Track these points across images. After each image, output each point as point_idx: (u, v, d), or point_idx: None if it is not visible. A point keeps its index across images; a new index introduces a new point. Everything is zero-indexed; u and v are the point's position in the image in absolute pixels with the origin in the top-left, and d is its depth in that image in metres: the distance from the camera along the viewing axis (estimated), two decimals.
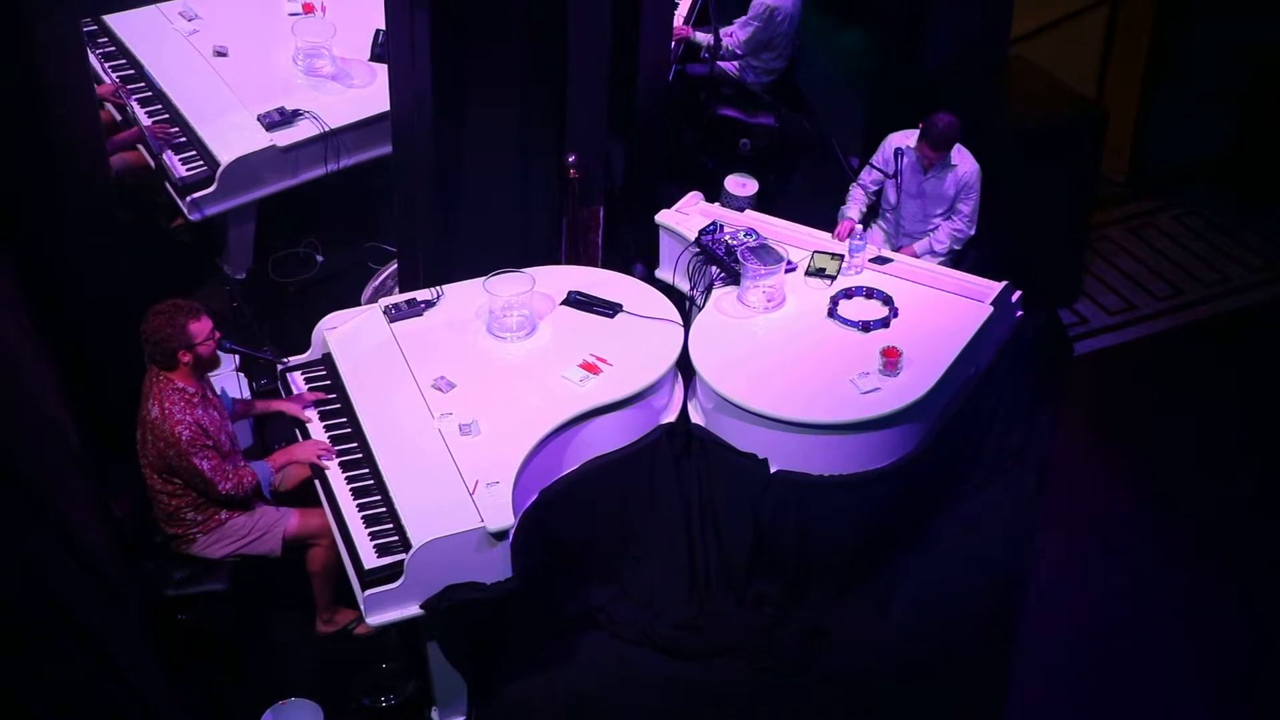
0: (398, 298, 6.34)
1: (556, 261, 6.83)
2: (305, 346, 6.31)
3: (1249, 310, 8.63)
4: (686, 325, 6.27)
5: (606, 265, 6.92)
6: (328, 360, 6.18)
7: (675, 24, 8.00)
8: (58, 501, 4.53)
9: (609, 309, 6.26)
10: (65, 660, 4.03)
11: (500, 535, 5.32)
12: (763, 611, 5.99)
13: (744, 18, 8.38)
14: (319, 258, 7.69)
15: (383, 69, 7.50)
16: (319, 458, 5.71)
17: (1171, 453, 7.61)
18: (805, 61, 8.74)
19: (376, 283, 7.21)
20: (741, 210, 7.05)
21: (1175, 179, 9.45)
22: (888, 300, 6.30)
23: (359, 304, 6.80)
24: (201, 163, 7.09)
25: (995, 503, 6.38)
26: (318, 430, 5.90)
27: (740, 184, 7.56)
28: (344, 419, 5.92)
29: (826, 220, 7.05)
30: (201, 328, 5.47)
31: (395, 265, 7.09)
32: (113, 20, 7.64)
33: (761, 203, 7.40)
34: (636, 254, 7.28)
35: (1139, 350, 8.33)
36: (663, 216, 6.82)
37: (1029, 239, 7.85)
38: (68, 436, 5.24)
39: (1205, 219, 9.28)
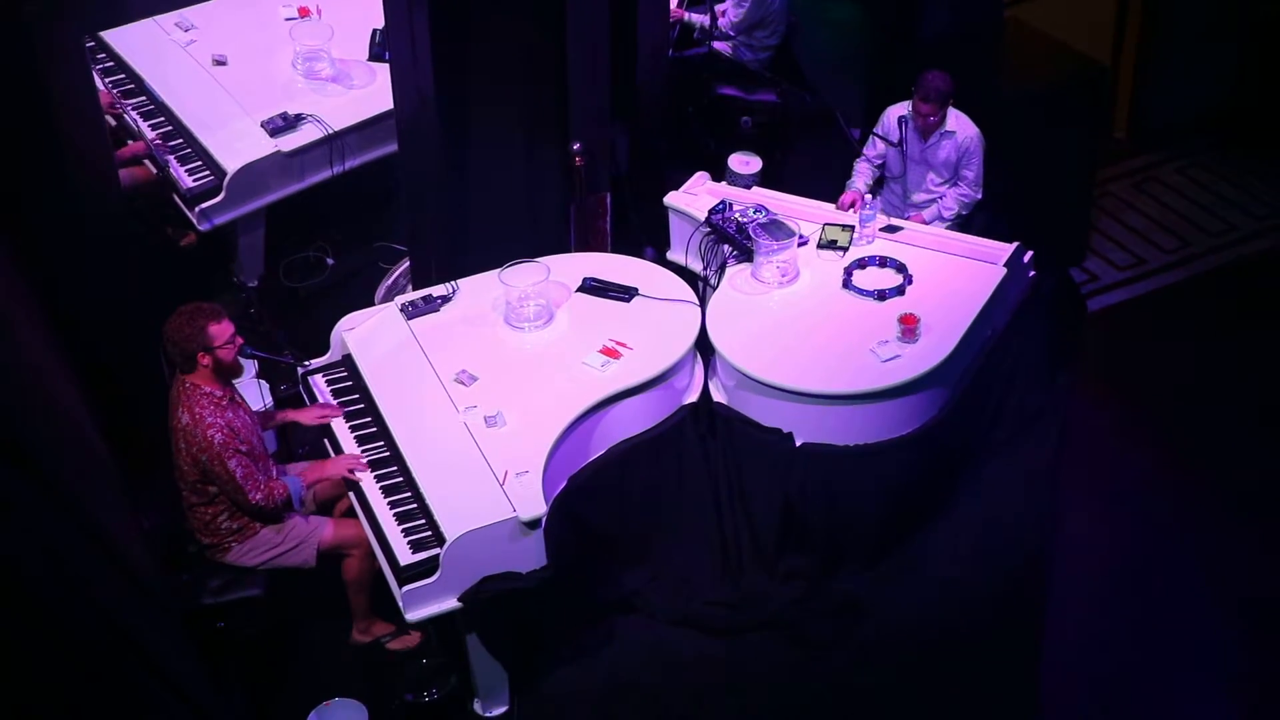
0: (414, 295, 6.35)
1: (566, 250, 6.85)
2: (323, 350, 6.33)
3: (1257, 258, 8.64)
4: (701, 305, 6.29)
5: (616, 251, 6.94)
6: (348, 361, 6.20)
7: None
8: (97, 513, 4.56)
9: (624, 293, 6.28)
10: (120, 671, 4.07)
11: (533, 524, 5.35)
12: (795, 585, 6.01)
13: None
14: (329, 260, 7.71)
15: (382, 68, 7.51)
16: (351, 472, 5.72)
17: (1186, 403, 7.64)
18: (800, 36, 8.73)
19: (389, 281, 7.22)
20: (748, 188, 7.06)
21: (1176, 132, 9.45)
22: (901, 268, 6.32)
23: (372, 304, 6.82)
24: (208, 173, 7.10)
25: (1019, 463, 6.38)
26: (343, 432, 5.92)
27: (744, 162, 7.56)
28: (369, 418, 5.94)
29: (832, 193, 7.05)
30: (222, 331, 5.48)
31: (407, 264, 7.10)
32: (110, 36, 7.63)
33: (766, 179, 7.40)
34: (645, 238, 7.29)
35: (1150, 304, 8.35)
36: (671, 198, 6.83)
37: (1035, 200, 7.86)
38: (98, 450, 5.26)
39: (1209, 170, 9.29)
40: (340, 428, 5.94)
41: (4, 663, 3.86)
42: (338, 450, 5.91)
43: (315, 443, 6.25)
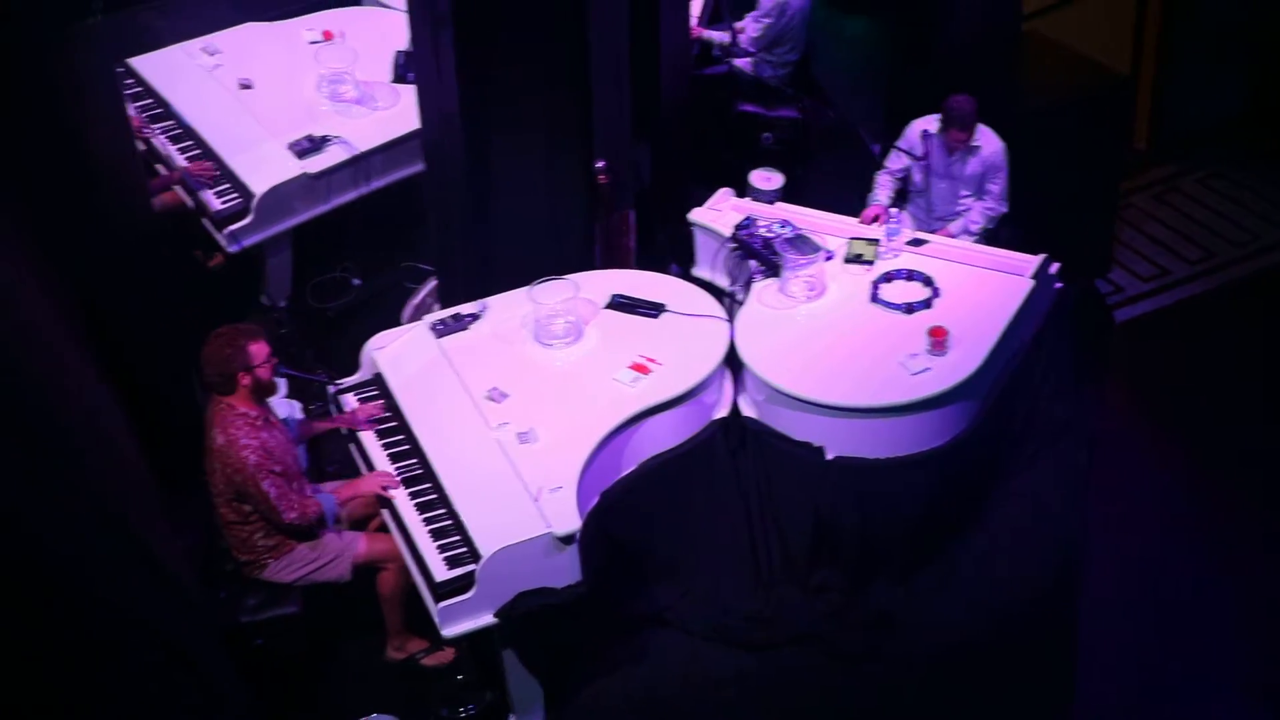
0: (443, 313, 6.37)
1: (591, 268, 6.87)
2: (351, 369, 6.37)
3: None
4: (728, 320, 6.31)
5: (640, 268, 6.97)
6: (379, 380, 6.23)
7: None
8: (140, 529, 4.61)
9: (653, 309, 6.30)
10: (169, 686, 4.10)
11: (568, 540, 5.36)
12: (828, 599, 6.02)
13: (754, 14, 8.43)
14: (355, 281, 7.74)
15: (405, 89, 7.57)
16: (384, 490, 5.74)
17: (1214, 412, 7.63)
18: (818, 52, 8.78)
19: (416, 301, 7.26)
20: (770, 204, 7.09)
21: (1196, 142, 9.46)
22: (928, 281, 6.33)
23: (399, 324, 6.84)
24: (236, 195, 7.16)
25: (1049, 475, 6.40)
26: (375, 449, 5.94)
27: (765, 178, 7.60)
28: (401, 436, 5.96)
29: (854, 208, 7.08)
30: (260, 350, 5.55)
31: (433, 283, 7.14)
32: (136, 62, 7.69)
33: (788, 195, 7.44)
34: (670, 255, 7.33)
35: (1175, 315, 8.35)
36: (696, 215, 6.86)
37: (1059, 212, 7.88)
38: (140, 468, 5.31)
39: (1229, 179, 9.30)
40: (373, 445, 5.96)
41: (51, 669, 3.89)
42: (369, 465, 5.94)
43: (345, 459, 6.28)
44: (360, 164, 7.33)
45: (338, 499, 5.81)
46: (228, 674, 4.91)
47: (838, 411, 5.84)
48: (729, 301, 6.64)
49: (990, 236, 7.20)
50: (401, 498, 5.70)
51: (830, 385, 5.88)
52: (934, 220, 7.30)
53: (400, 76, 7.73)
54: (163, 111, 7.58)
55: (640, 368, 5.99)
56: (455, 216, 6.60)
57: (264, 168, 7.19)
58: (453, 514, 5.56)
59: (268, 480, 5.50)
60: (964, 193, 7.17)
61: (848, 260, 6.52)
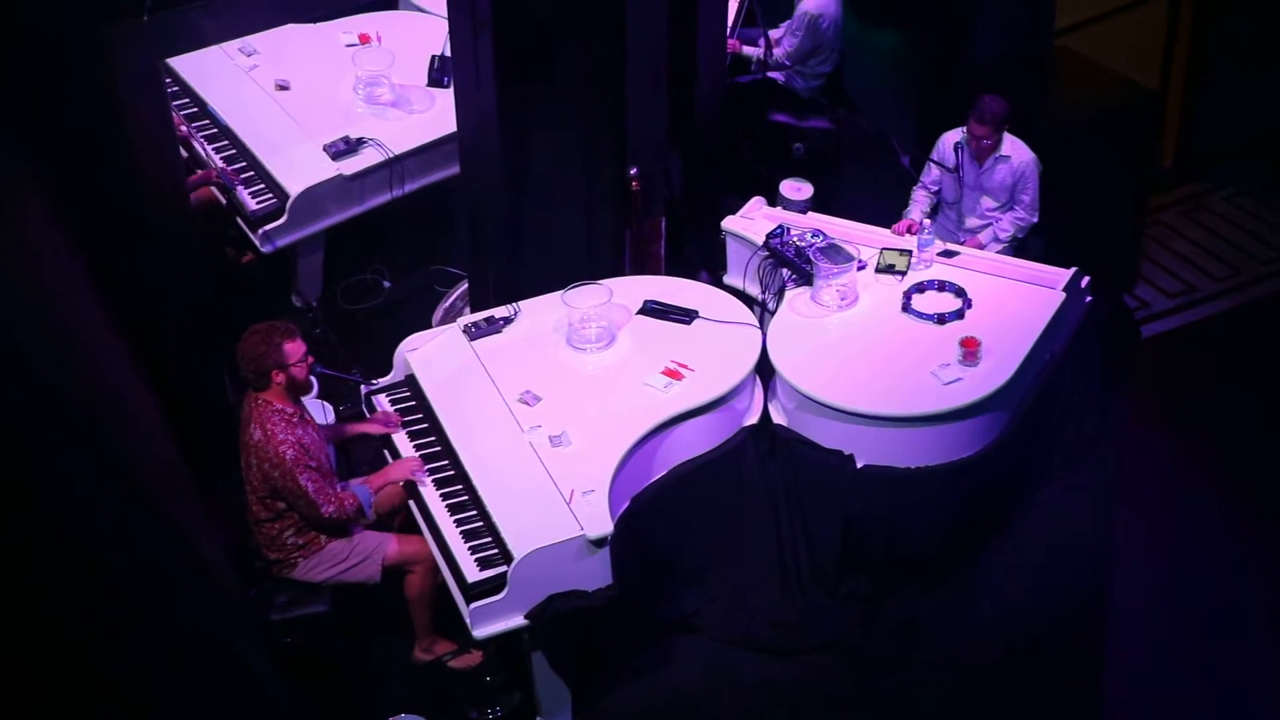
0: (476, 316, 6.41)
1: (621, 273, 6.91)
2: (381, 371, 6.40)
3: None
4: (759, 328, 6.34)
5: (670, 275, 6.99)
6: (411, 381, 6.26)
7: None
8: (182, 523, 4.64)
9: (685, 316, 6.33)
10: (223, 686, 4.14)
11: (600, 543, 5.39)
12: (856, 606, 6.04)
13: (788, 25, 8.45)
14: (386, 283, 7.78)
15: (440, 93, 7.62)
16: (413, 474, 5.78)
17: (1239, 431, 7.65)
18: (849, 64, 8.80)
19: (446, 304, 7.29)
20: (802, 214, 7.12)
21: (1223, 160, 9.47)
22: (960, 292, 6.36)
23: (429, 326, 6.87)
24: (271, 195, 7.20)
25: (1077, 488, 6.41)
26: (407, 450, 5.97)
27: (795, 188, 7.62)
28: (433, 438, 6.00)
29: (884, 219, 7.10)
30: (296, 349, 5.58)
31: (464, 287, 7.17)
32: (174, 62, 7.71)
33: (818, 205, 7.46)
34: (699, 262, 7.36)
35: (1201, 332, 8.37)
36: (729, 223, 6.89)
37: (1085, 227, 7.90)
38: (179, 465, 5.35)
39: (1256, 197, 9.32)
40: (404, 446, 6.00)
41: (89, 661, 3.93)
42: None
43: (376, 460, 6.31)
44: (395, 167, 7.36)
45: (371, 487, 5.85)
46: (282, 690, 4.94)
47: (868, 420, 5.86)
48: (760, 309, 6.69)
49: (1019, 249, 7.22)
50: (432, 497, 5.73)
51: (861, 394, 5.91)
52: (963, 232, 7.32)
53: (436, 80, 7.77)
54: (199, 111, 7.63)
55: (673, 373, 6.02)
56: (489, 219, 6.64)
57: (299, 169, 7.23)
58: (485, 515, 5.59)
59: (305, 475, 5.53)
60: (993, 203, 7.19)
61: (880, 270, 6.55)
